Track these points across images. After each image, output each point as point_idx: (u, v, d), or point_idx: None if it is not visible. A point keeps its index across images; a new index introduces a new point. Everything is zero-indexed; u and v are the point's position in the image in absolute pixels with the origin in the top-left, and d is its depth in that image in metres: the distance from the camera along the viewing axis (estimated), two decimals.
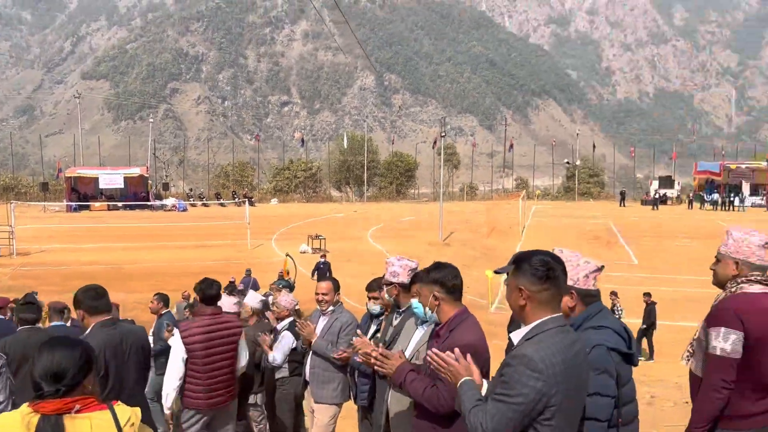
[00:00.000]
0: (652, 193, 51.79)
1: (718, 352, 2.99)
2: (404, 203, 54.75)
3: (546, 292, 2.34)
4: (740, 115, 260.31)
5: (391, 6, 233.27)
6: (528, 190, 53.92)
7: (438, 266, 3.27)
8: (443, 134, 30.44)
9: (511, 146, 64.08)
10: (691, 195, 50.83)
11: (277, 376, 5.83)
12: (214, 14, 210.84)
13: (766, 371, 3.01)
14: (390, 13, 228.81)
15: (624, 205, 49.65)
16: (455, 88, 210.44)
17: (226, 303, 5.60)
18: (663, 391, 8.76)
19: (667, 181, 53.89)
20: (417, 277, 3.52)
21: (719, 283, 3.22)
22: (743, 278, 3.10)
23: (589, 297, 2.78)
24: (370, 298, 4.77)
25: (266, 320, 6.45)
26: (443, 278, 3.17)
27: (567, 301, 2.66)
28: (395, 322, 4.08)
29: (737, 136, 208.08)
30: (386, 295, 4.32)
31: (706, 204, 48.30)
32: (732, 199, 47.44)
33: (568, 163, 57.74)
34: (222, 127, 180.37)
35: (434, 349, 2.61)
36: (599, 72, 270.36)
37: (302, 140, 70.81)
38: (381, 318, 4.67)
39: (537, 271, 2.34)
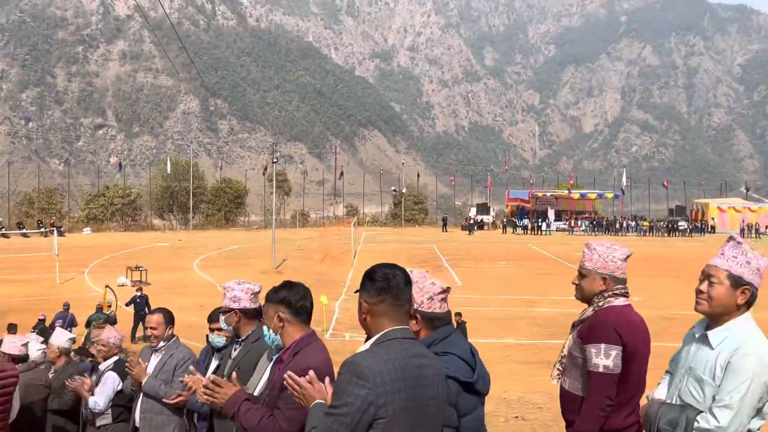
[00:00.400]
0: (471, 220, 55.19)
1: (601, 369, 2.92)
2: (234, 231, 53.16)
3: (383, 303, 2.27)
4: (543, 148, 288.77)
5: (216, 30, 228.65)
6: (358, 217, 54.91)
7: (287, 285, 2.98)
8: (275, 160, 30.00)
9: (342, 174, 65.07)
10: (504, 220, 54.88)
11: (99, 423, 5.07)
12: (18, 29, 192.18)
13: (635, 384, 3.02)
14: (215, 38, 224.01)
15: (446, 231, 52.31)
16: (284, 116, 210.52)
17: (9, 345, 4.83)
18: (492, 407, 8.98)
19: (483, 208, 57.78)
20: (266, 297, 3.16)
21: (584, 298, 3.18)
22: (610, 292, 3.08)
23: (436, 320, 2.62)
24: (212, 330, 4.30)
25: (79, 359, 5.66)
26: (289, 298, 2.88)
27: (411, 325, 2.51)
28: (234, 354, 3.72)
29: (541, 167, 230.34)
30: (223, 324, 3.88)
31: (518, 228, 52.45)
32: (540, 224, 51.98)
33: (394, 190, 59.85)
34: (25, 151, 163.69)
35: (290, 372, 2.48)
36: (420, 106, 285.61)
37: (119, 165, 66.09)
38: (224, 351, 4.22)
39: (375, 283, 2.29)
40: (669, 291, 21.66)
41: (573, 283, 3.23)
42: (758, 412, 2.51)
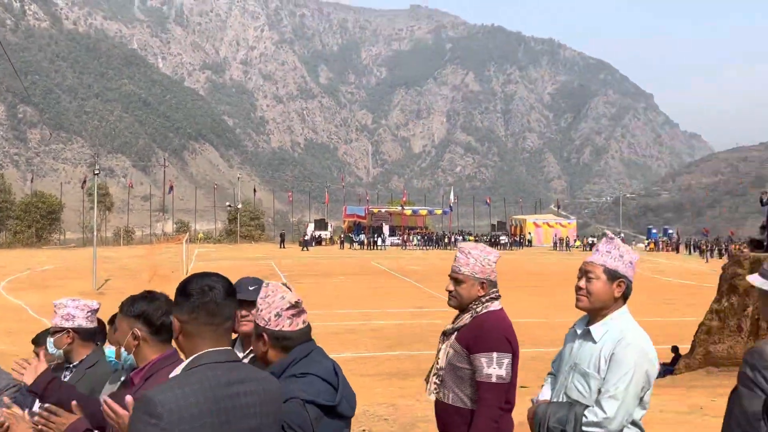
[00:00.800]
0: (308, 236, 54.98)
1: (494, 380, 2.79)
2: (47, 249, 48.35)
3: (197, 321, 1.93)
4: (376, 167, 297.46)
5: (26, 31, 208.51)
6: (190, 234, 52.40)
7: (147, 297, 2.51)
8: (96, 172, 27.57)
9: (171, 188, 61.78)
10: (342, 236, 55.34)
11: None
12: None
13: (515, 389, 2.97)
14: (25, 39, 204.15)
15: (284, 247, 51.59)
16: (105, 126, 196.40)
17: None
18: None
19: (321, 224, 57.91)
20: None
21: (461, 305, 3.00)
22: (487, 297, 2.95)
23: (284, 340, 2.26)
24: (37, 354, 3.56)
25: None
26: (149, 313, 2.43)
27: (260, 346, 2.28)
28: (66, 380, 3.11)
29: (374, 185, 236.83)
30: (50, 347, 3.24)
31: (355, 244, 53.11)
32: (375, 239, 53.07)
33: (230, 206, 57.96)
34: None
35: (106, 397, 2.21)
36: (254, 120, 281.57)
37: None
38: None
39: (188, 297, 1.95)
40: None
41: (447, 290, 3.04)
42: (640, 401, 2.56)
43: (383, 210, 59.48)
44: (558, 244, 56.13)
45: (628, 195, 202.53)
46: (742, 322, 11.91)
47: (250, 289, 2.81)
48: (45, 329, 3.58)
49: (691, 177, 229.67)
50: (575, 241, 59.28)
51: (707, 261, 44.76)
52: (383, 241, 53.30)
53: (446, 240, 55.49)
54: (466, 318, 2.95)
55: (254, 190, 64.53)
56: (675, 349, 13.96)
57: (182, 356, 2.09)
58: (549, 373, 2.95)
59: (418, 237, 55.32)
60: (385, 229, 55.22)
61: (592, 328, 2.65)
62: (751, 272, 12.87)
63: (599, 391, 2.53)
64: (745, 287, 13.79)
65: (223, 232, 59.53)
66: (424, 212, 60.33)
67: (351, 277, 32.22)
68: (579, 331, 2.73)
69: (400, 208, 58.93)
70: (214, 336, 1.94)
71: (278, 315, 2.25)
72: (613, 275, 2.62)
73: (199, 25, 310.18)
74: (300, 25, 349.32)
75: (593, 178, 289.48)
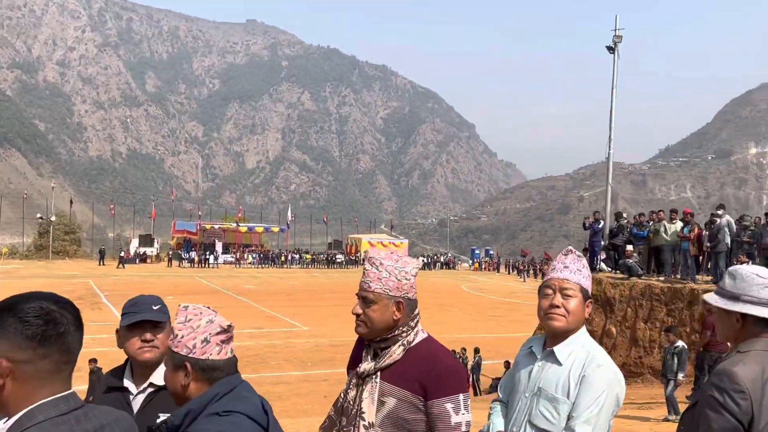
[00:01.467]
0: (132, 251, 51.12)
1: (464, 428, 2.23)
2: None
3: (44, 360, 1.41)
4: (206, 181, 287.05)
5: None
6: None
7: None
8: None
9: None
10: (170, 253, 52.20)
11: None
12: None
13: None
14: None
15: (103, 264, 47.51)
16: None
17: None
18: None
19: (147, 240, 54.17)
20: None
21: (372, 333, 2.28)
22: (413, 322, 2.32)
23: (212, 371, 1.91)
24: None
25: None
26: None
27: (180, 378, 1.90)
28: None
29: (203, 200, 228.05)
30: None
31: (184, 261, 50.29)
32: (207, 256, 50.69)
33: (41, 218, 52.27)
34: None
35: None
36: (71, 126, 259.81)
37: None
38: None
39: (28, 326, 1.40)
40: (335, 319, 22.63)
41: (354, 314, 2.32)
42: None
43: (216, 226, 57.08)
44: None
45: (452, 218, 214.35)
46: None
47: (155, 308, 2.46)
48: None
49: (506, 202, 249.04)
50: None
51: (524, 280, 48.31)
52: (216, 258, 51.07)
53: (283, 258, 54.51)
54: (396, 351, 2.27)
55: (71, 201, 58.77)
56: (507, 364, 14.47)
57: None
58: (495, 400, 2.61)
59: (254, 255, 53.76)
60: (218, 246, 52.97)
61: (556, 349, 2.40)
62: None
63: (569, 417, 2.33)
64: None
65: (32, 246, 53.50)
66: (260, 229, 58.82)
67: (180, 297, 30.22)
68: (539, 354, 2.45)
69: (234, 224, 56.93)
70: (60, 379, 1.45)
71: (206, 341, 1.89)
72: (586, 295, 2.45)
73: (9, 20, 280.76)
74: (126, 29, 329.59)
75: (421, 200, 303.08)
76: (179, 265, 49.54)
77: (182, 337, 1.87)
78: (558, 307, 2.40)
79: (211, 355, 1.89)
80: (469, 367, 15.77)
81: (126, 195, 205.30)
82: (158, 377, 2.40)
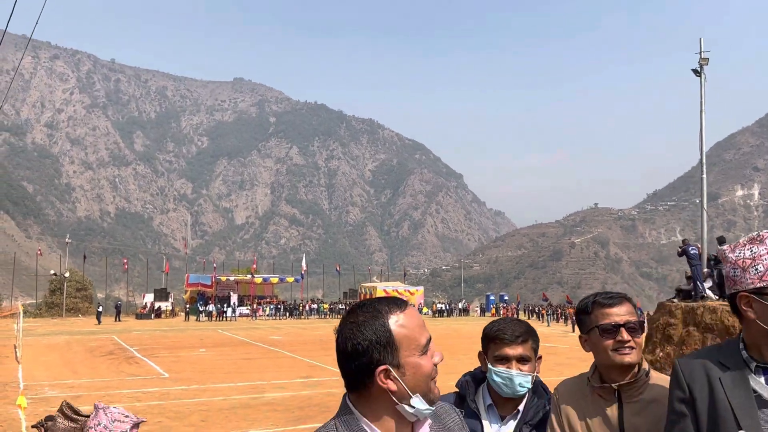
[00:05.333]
0: (147, 307, 49.79)
1: None
2: None
3: None
4: (195, 238, 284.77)
5: None
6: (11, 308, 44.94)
7: None
8: None
9: None
10: (187, 307, 50.87)
11: None
12: None
13: None
14: None
15: (120, 320, 46.14)
16: None
17: None
18: None
19: (162, 294, 52.87)
20: None
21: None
22: None
23: None
24: None
25: None
26: None
27: None
28: None
29: (193, 256, 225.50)
30: None
31: (201, 315, 48.94)
32: (224, 309, 49.39)
33: (54, 274, 51.00)
34: None
35: None
36: (59, 187, 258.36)
37: None
38: None
39: None
40: None
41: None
42: None
43: (231, 278, 55.91)
44: None
45: (443, 267, 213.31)
46: None
47: None
48: None
49: (498, 250, 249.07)
50: (423, 307, 60.16)
51: (549, 324, 47.32)
52: (233, 311, 49.78)
53: (300, 309, 53.32)
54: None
55: (84, 257, 57.52)
56: None
57: None
58: None
59: (271, 306, 52.53)
60: (233, 298, 51.75)
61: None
62: (684, 322, 12.54)
63: None
64: (679, 335, 14.09)
65: (42, 304, 52.04)
66: (275, 280, 57.71)
67: (213, 349, 29.14)
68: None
69: (249, 276, 55.80)
70: None
71: None
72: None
73: None
74: (114, 90, 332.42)
75: (411, 251, 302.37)
76: (197, 319, 48.21)
77: None
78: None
79: None
80: None
81: (115, 255, 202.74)
82: None
